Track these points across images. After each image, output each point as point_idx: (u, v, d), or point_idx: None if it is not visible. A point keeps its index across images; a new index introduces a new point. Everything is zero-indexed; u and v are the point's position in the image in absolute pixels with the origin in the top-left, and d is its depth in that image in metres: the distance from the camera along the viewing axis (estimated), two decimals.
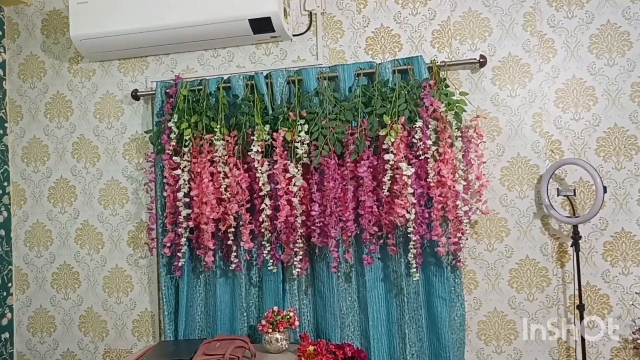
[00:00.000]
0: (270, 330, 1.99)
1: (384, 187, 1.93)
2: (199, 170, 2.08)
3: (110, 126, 2.45)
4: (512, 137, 2.11)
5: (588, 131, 2.07)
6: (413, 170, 1.92)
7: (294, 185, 1.98)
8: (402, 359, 2.05)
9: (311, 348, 1.89)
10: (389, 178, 1.92)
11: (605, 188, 1.91)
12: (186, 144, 2.10)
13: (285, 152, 2.02)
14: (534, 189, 2.09)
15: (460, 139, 1.97)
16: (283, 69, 2.19)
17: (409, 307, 2.03)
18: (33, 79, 2.53)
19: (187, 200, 2.11)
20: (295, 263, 2.03)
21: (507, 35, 2.12)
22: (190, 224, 2.12)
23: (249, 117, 2.08)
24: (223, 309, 2.18)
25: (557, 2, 2.09)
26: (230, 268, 2.13)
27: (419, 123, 1.94)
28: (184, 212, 2.10)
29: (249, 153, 2.04)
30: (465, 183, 1.95)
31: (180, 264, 2.15)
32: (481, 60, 2.09)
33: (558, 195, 2.04)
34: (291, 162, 2.00)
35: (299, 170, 1.99)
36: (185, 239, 2.13)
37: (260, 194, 2.04)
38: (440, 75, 2.03)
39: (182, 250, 2.13)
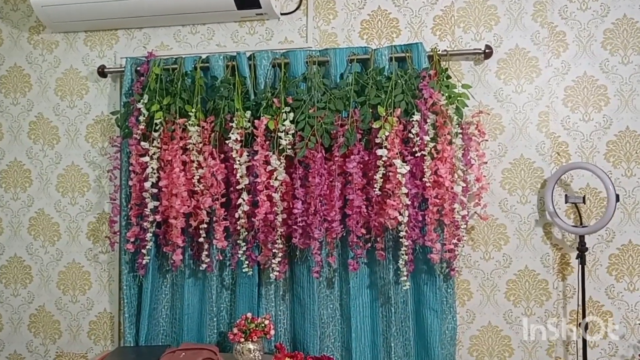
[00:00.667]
0: (242, 340, 1.90)
1: (375, 186, 1.85)
2: (169, 158, 2.01)
3: (72, 105, 2.32)
4: (516, 137, 2.02)
5: (598, 134, 1.98)
6: (408, 168, 1.84)
7: (276, 179, 1.91)
8: None
9: None
10: (380, 176, 1.84)
11: (617, 196, 1.80)
12: (156, 128, 2.03)
13: (267, 143, 1.95)
14: (536, 194, 2.00)
15: (460, 136, 1.88)
16: (268, 50, 2.10)
17: (396, 318, 1.97)
18: None
19: (155, 191, 2.03)
20: (273, 265, 1.96)
21: (515, 25, 2.03)
22: (158, 217, 2.04)
23: (228, 102, 2.00)
24: (191, 313, 2.11)
25: None
26: (201, 268, 2.05)
27: (417, 116, 1.86)
28: (151, 204, 2.02)
29: (227, 142, 1.97)
30: (464, 184, 1.88)
31: (144, 262, 2.07)
32: (487, 51, 2.01)
33: (566, 202, 1.95)
34: (273, 153, 1.92)
35: (281, 163, 1.92)
36: (151, 234, 2.05)
37: (237, 187, 1.96)
38: (442, 66, 1.95)
39: (147, 247, 2.06)
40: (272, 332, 1.95)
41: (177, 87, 2.04)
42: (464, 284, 2.03)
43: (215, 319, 2.06)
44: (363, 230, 1.90)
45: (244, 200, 1.93)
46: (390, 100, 1.88)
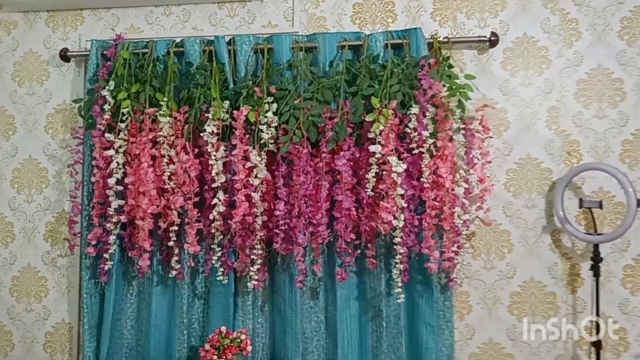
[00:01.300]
0: (215, 357, 1.79)
1: (366, 186, 1.77)
2: (137, 152, 1.92)
3: (31, 92, 2.21)
4: (523, 134, 1.92)
5: (613, 132, 1.88)
6: (404, 166, 1.74)
7: (256, 177, 1.83)
8: None
9: None
10: (373, 175, 1.76)
11: (638, 201, 1.69)
12: (123, 118, 1.92)
13: (247, 136, 1.86)
14: (544, 198, 1.90)
15: (462, 131, 1.78)
16: (250, 34, 2.00)
17: (388, 333, 1.90)
18: None
19: (121, 188, 1.94)
20: (251, 273, 1.87)
21: (523, 11, 1.94)
22: (123, 218, 1.95)
23: (205, 90, 1.92)
24: (159, 324, 2.02)
25: None
26: (170, 275, 1.96)
27: (415, 109, 1.78)
28: (115, 203, 1.94)
29: (202, 134, 1.88)
30: (466, 186, 1.77)
31: (107, 267, 1.97)
32: (492, 38, 1.92)
33: (580, 207, 1.83)
34: (253, 148, 1.84)
35: (262, 159, 1.83)
36: (115, 237, 1.96)
37: (212, 185, 1.89)
38: (443, 54, 1.83)
39: (110, 251, 1.96)
40: (249, 348, 1.85)
41: (147, 74, 1.95)
42: (462, 295, 1.93)
43: (185, 332, 1.96)
44: (352, 236, 1.82)
45: (219, 200, 1.85)
46: (385, 90, 1.79)
